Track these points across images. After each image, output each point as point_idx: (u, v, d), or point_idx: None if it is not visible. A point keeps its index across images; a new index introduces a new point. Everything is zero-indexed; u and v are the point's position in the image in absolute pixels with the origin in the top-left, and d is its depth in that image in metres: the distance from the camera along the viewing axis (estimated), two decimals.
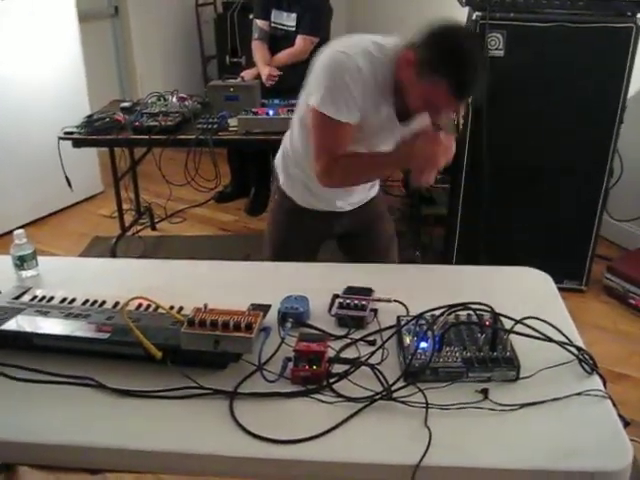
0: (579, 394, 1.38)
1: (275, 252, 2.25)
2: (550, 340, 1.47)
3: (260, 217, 4.58)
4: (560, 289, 1.87)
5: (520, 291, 1.82)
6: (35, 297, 1.71)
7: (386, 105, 1.88)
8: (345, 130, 1.85)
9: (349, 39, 1.88)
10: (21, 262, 1.90)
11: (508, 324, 1.51)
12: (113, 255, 3.86)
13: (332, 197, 2.15)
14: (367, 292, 1.71)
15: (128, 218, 4.25)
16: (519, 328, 1.48)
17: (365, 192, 2.24)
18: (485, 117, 3.12)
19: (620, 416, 1.36)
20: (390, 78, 1.83)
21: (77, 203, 4.82)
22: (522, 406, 1.35)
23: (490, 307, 1.49)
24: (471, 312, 1.51)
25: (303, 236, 2.20)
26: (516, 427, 1.31)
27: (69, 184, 3.58)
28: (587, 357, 1.47)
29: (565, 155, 3.21)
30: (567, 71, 3.05)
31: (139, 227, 4.35)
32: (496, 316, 1.50)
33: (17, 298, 1.70)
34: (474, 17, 3.00)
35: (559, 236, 3.40)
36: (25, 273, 1.91)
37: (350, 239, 2.32)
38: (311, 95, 1.87)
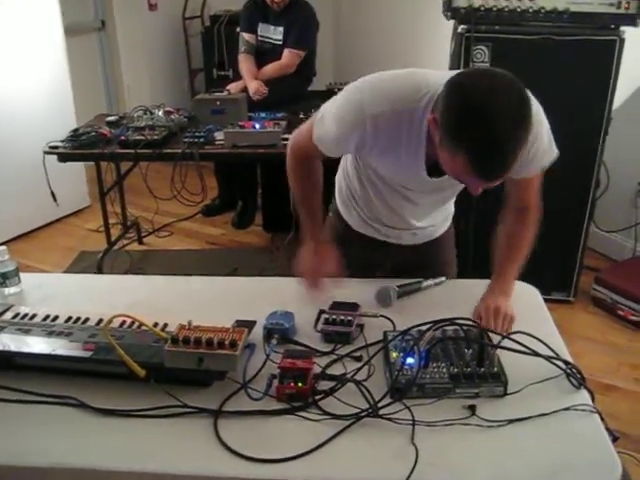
0: (567, 409, 1.37)
1: None
2: (537, 355, 1.46)
3: (247, 230, 4.57)
4: (548, 300, 1.88)
5: None
6: (17, 315, 1.68)
7: (411, 155, 1.59)
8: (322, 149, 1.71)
9: (388, 78, 1.58)
10: (3, 279, 1.88)
11: (495, 338, 1.50)
12: (99, 270, 3.83)
13: (387, 224, 1.96)
14: (353, 307, 1.70)
15: (115, 232, 4.22)
16: (506, 343, 1.47)
17: (428, 230, 2.00)
18: None
19: (608, 430, 1.35)
20: (420, 129, 1.52)
21: (64, 217, 4.79)
22: (510, 422, 1.34)
23: (477, 322, 1.48)
24: (458, 327, 1.50)
25: (352, 263, 1.92)
26: (504, 443, 1.30)
27: (54, 198, 3.57)
28: (575, 371, 1.46)
29: (551, 166, 3.21)
30: (552, 83, 3.05)
31: (126, 241, 4.32)
32: (483, 331, 1.49)
33: None
34: (459, 30, 3.01)
35: (546, 247, 3.38)
36: (7, 290, 1.89)
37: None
38: (326, 106, 1.68)
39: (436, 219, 2.00)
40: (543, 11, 2.92)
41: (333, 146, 1.68)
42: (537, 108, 1.54)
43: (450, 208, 2.06)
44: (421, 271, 1.95)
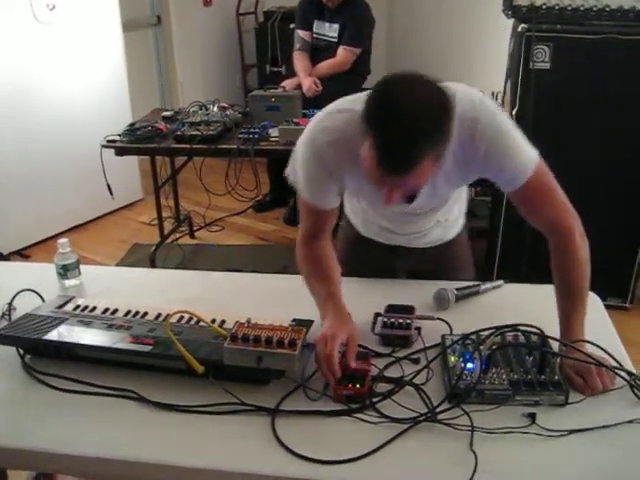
0: (630, 422, 1.33)
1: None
2: (600, 365, 1.42)
3: (298, 227, 4.57)
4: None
5: None
6: (78, 307, 1.72)
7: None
8: (318, 213, 1.80)
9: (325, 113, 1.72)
10: (64, 271, 1.92)
11: (556, 346, 1.47)
12: (152, 262, 3.89)
13: (393, 231, 1.96)
14: (409, 310, 1.68)
15: (167, 226, 4.27)
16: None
17: (437, 233, 1.99)
18: (530, 132, 3.06)
19: None
20: None
21: (117, 210, 4.87)
22: (571, 432, 1.31)
23: (539, 329, 1.45)
24: (518, 333, 1.47)
25: (365, 267, 1.98)
26: (564, 454, 1.27)
27: (110, 192, 3.61)
28: (639, 383, 1.42)
29: (611, 171, 3.14)
30: (617, 85, 2.98)
31: (178, 235, 4.38)
32: (544, 338, 1.46)
33: (60, 307, 1.71)
34: (520, 29, 2.96)
35: (601, 252, 3.30)
36: (68, 282, 1.93)
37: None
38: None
39: (443, 216, 1.94)
40: (608, 9, 2.85)
41: (315, 191, 1.76)
42: (501, 123, 1.55)
43: (454, 210, 1.98)
44: (435, 274, 1.96)
